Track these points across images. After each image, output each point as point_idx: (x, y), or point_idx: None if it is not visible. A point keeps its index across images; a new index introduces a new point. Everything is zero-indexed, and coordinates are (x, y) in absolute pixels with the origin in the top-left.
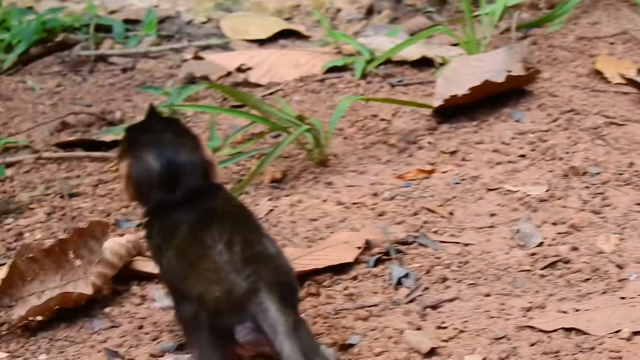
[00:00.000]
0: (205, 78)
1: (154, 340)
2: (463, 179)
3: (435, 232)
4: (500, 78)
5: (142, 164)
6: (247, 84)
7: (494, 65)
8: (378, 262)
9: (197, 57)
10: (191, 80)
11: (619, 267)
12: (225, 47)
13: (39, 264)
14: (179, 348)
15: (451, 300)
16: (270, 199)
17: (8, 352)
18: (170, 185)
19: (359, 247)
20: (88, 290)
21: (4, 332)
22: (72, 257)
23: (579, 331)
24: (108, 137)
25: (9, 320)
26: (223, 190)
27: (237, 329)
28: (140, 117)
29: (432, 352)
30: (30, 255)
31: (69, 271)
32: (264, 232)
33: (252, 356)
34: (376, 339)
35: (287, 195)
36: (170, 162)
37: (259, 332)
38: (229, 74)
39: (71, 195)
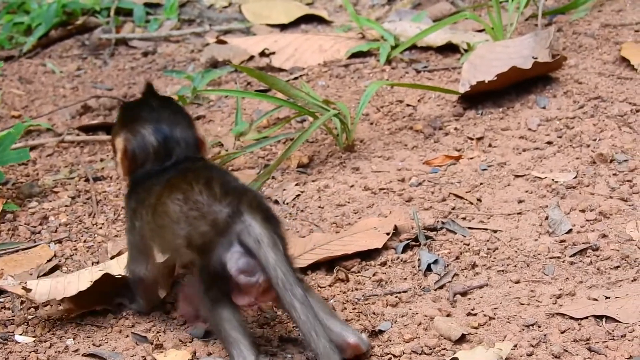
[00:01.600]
0: (227, 62)
1: (182, 325)
2: (490, 166)
3: (463, 218)
4: (526, 64)
5: (139, 138)
6: (270, 68)
7: (520, 52)
8: (407, 248)
9: (219, 41)
10: (213, 64)
11: None
12: (247, 31)
13: None
14: (207, 334)
15: (481, 287)
16: (297, 184)
17: (35, 336)
18: (164, 158)
19: (388, 233)
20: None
21: (30, 317)
22: None
23: (609, 318)
24: None
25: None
26: (206, 160)
27: (227, 256)
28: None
29: (463, 338)
30: None
31: None
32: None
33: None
34: (406, 325)
35: (314, 181)
36: (166, 137)
37: (248, 256)
38: (251, 58)
39: (95, 179)
